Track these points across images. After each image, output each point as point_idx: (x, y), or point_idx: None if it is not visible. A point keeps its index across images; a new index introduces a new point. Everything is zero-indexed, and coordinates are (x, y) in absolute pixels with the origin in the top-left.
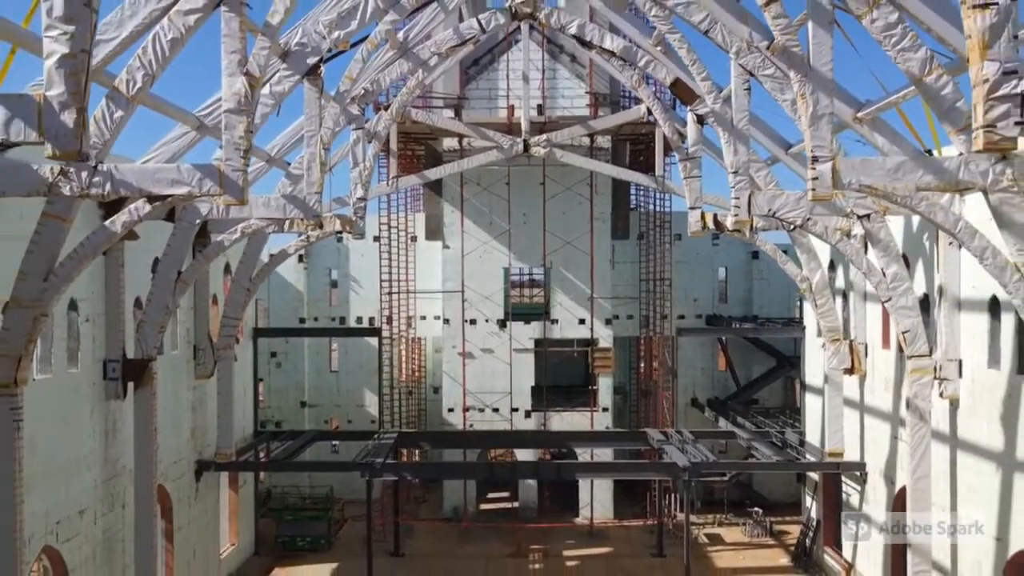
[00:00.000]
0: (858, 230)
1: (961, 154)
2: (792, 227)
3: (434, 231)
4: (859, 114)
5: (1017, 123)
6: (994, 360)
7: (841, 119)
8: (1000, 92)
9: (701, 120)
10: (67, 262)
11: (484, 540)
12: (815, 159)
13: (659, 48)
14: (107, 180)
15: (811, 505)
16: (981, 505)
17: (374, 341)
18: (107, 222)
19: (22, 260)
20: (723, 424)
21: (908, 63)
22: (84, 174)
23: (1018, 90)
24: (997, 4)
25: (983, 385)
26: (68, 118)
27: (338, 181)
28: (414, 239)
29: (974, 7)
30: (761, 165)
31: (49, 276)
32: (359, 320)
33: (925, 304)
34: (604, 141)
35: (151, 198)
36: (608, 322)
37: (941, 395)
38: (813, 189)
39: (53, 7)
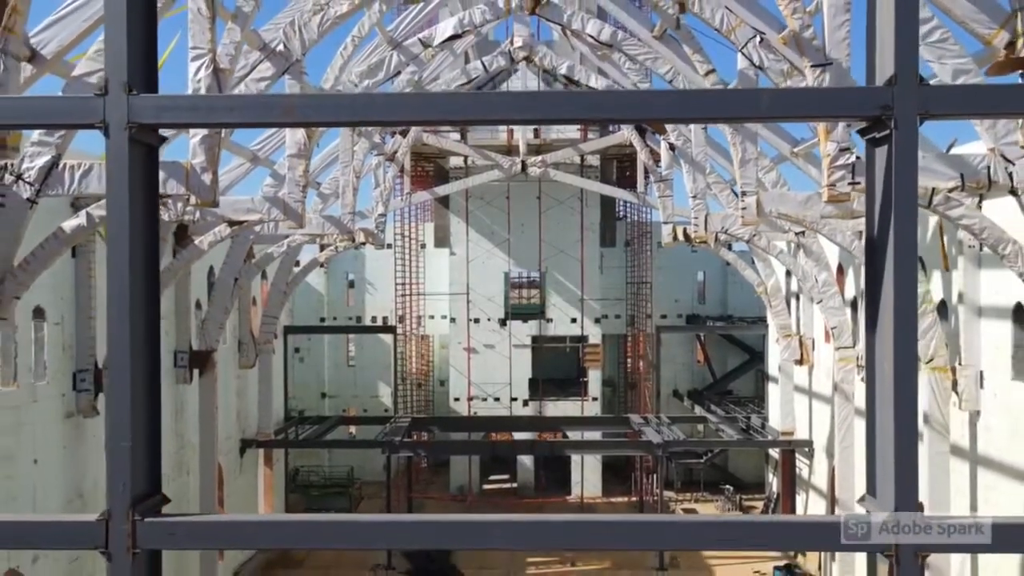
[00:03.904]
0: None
1: None
2: (747, 240)
3: (442, 239)
4: (795, 149)
5: (850, 184)
6: None
7: (781, 153)
8: (838, 163)
9: (673, 147)
10: (166, 272)
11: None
12: (744, 193)
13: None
14: (196, 209)
15: (772, 481)
16: None
17: (387, 338)
18: (196, 241)
19: None
20: (699, 411)
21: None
22: (179, 204)
23: (850, 161)
24: None
25: None
26: (206, 178)
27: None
28: (424, 246)
29: None
30: (724, 186)
31: None
32: (373, 319)
33: (857, 304)
34: (593, 159)
35: (230, 223)
36: (597, 321)
37: (863, 380)
38: (742, 216)
39: None
